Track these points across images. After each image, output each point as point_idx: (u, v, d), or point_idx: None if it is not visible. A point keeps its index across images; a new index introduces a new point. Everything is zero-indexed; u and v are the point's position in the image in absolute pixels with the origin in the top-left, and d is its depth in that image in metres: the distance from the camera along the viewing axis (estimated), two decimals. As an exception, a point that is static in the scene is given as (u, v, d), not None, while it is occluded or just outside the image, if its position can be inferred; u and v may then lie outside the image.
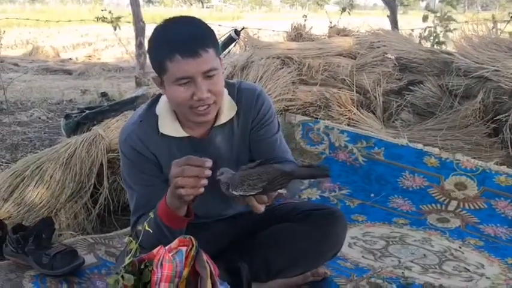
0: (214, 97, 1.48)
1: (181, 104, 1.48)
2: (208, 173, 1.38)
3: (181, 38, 1.42)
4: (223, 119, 1.60)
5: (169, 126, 1.57)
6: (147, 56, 6.07)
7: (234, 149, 1.65)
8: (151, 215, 1.38)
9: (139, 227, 1.38)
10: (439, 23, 4.54)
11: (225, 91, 1.59)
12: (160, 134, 1.57)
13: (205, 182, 1.38)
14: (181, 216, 1.48)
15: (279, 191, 1.42)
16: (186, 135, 1.59)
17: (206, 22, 1.53)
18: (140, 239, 1.41)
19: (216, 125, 1.60)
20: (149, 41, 1.50)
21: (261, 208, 1.41)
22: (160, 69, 1.46)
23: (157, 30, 1.49)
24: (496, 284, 1.94)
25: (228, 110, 1.61)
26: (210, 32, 1.48)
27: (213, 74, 1.46)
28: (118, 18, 5.61)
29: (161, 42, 1.46)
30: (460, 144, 2.87)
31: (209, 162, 1.38)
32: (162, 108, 1.58)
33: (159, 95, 1.63)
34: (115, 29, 5.59)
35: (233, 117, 1.63)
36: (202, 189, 1.38)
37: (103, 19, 5.54)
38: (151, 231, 1.38)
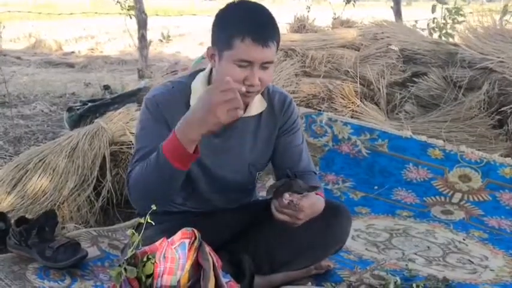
0: (260, 87, 1.52)
1: None
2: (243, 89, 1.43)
3: (258, 24, 1.46)
4: (253, 111, 1.63)
5: None
6: (150, 48, 5.96)
7: (257, 146, 1.67)
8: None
9: (142, 220, 1.36)
10: (448, 15, 4.51)
11: None
12: (189, 106, 1.55)
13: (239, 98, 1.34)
14: (189, 153, 1.38)
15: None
16: None
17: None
18: (131, 182, 1.43)
19: (244, 115, 1.59)
20: (222, 15, 1.52)
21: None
22: (226, 44, 1.46)
23: (233, 7, 1.51)
24: (500, 276, 1.94)
25: (258, 104, 1.63)
26: (278, 27, 1.52)
27: (269, 66, 1.50)
28: (131, 7, 5.62)
29: (237, 19, 1.48)
30: (465, 136, 2.86)
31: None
32: (198, 85, 1.59)
33: (197, 72, 1.64)
34: (130, 17, 5.61)
35: (261, 114, 1.65)
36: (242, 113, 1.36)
37: (121, 6, 5.57)
38: (146, 177, 1.40)
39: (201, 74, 1.62)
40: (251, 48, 1.44)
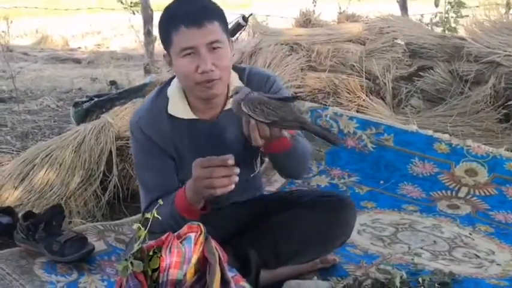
0: (219, 72, 1.48)
1: (187, 77, 1.49)
2: (237, 171, 1.39)
3: (188, 11, 1.45)
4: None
5: (178, 108, 1.58)
6: (156, 44, 6.00)
7: (242, 135, 1.64)
8: (162, 202, 1.41)
9: (148, 215, 1.37)
10: (451, 8, 4.47)
11: (236, 75, 1.61)
12: (170, 115, 1.57)
13: (236, 179, 1.39)
14: (198, 210, 1.50)
15: (285, 133, 1.40)
16: (195, 117, 1.59)
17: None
18: (151, 224, 1.41)
19: (225, 108, 1.61)
20: (159, 20, 1.53)
21: (260, 141, 1.38)
22: (167, 43, 1.49)
23: (166, 8, 1.52)
24: (506, 270, 1.93)
25: None
26: (217, 8, 1.50)
27: (218, 46, 1.47)
28: (136, 3, 5.65)
29: (168, 17, 1.49)
30: (471, 130, 2.85)
31: (231, 159, 1.38)
32: (173, 90, 1.60)
33: (171, 79, 1.64)
34: (134, 14, 5.65)
35: None
36: (233, 186, 1.40)
37: (122, 2, 5.60)
38: (161, 218, 1.40)
39: (175, 79, 1.62)
40: (186, 33, 1.43)
